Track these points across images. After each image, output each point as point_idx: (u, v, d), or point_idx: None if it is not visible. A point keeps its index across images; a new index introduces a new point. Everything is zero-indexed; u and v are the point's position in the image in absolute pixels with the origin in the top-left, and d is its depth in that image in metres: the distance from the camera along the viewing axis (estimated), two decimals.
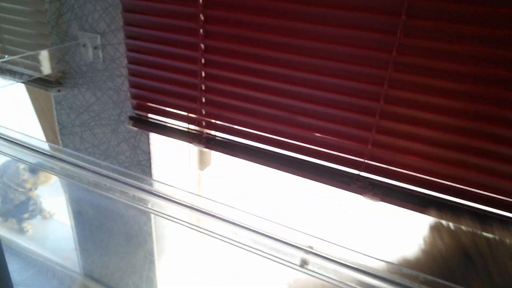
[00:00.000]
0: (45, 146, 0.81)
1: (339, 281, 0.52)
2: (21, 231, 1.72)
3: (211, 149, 0.88)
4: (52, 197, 1.87)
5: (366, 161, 0.73)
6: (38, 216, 1.79)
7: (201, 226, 0.65)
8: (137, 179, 0.79)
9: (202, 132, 0.90)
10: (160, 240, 1.23)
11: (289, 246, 0.54)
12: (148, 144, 1.05)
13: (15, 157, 0.81)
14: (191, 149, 1.18)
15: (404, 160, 0.70)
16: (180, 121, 0.92)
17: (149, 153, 1.07)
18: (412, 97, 0.66)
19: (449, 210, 0.67)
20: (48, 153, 0.81)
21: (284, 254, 0.55)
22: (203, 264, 1.47)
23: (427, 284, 0.50)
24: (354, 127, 0.72)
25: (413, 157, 0.69)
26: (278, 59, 0.74)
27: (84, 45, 1.00)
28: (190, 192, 0.66)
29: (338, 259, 0.52)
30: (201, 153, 1.20)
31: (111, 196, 0.73)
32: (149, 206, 0.73)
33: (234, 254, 1.50)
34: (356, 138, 0.73)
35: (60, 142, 1.24)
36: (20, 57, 1.04)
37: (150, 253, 1.24)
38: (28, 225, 1.73)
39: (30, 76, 1.08)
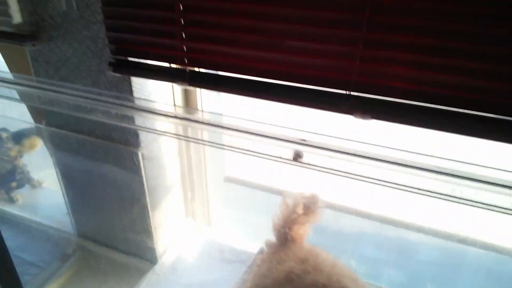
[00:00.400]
0: (24, 78, 0.80)
1: (334, 170, 0.54)
2: (11, 200, 1.71)
3: (196, 87, 0.88)
4: (40, 167, 1.85)
5: (354, 80, 0.74)
6: (27, 186, 1.78)
7: (189, 136, 0.65)
8: (118, 97, 0.78)
9: (185, 69, 0.89)
10: (152, 193, 1.24)
11: (281, 141, 0.55)
12: (131, 92, 1.04)
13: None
14: (176, 95, 1.17)
15: (393, 73, 0.70)
16: (161, 61, 0.91)
17: (133, 102, 1.06)
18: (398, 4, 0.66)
19: (442, 118, 0.68)
20: (28, 84, 0.80)
21: (277, 150, 0.57)
22: (198, 207, 1.49)
23: None
24: (340, 44, 0.72)
25: (402, 68, 0.69)
26: None
27: None
28: (175, 105, 0.66)
29: (332, 147, 0.54)
30: (186, 97, 1.19)
31: (93, 118, 0.73)
32: (134, 122, 0.72)
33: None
34: (343, 55, 0.73)
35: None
36: None
37: (144, 208, 1.25)
38: (17, 195, 1.72)
39: (0, 31, 1.04)
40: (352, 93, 0.75)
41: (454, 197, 0.68)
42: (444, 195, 0.64)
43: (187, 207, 1.45)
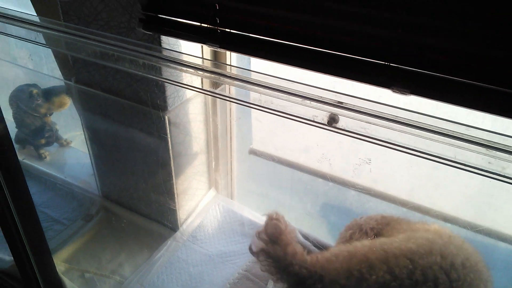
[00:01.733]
0: (51, 22, 0.76)
1: (371, 137, 0.48)
2: (39, 157, 1.73)
3: (227, 49, 0.82)
4: (69, 126, 1.86)
5: (395, 50, 0.66)
6: (55, 144, 1.80)
7: (216, 92, 0.61)
8: (146, 47, 0.74)
9: (216, 30, 0.83)
10: (177, 160, 1.21)
11: (316, 103, 0.50)
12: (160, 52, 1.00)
13: (25, 38, 0.77)
14: (206, 58, 1.12)
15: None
16: (192, 20, 0.86)
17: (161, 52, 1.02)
18: None
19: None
20: (55, 28, 0.76)
21: (311, 112, 0.51)
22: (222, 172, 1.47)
23: None
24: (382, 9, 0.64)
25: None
26: None
27: None
28: (204, 58, 0.60)
29: (370, 110, 0.48)
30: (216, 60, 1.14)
31: (120, 67, 0.69)
32: (161, 74, 0.68)
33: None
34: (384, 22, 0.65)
35: (69, 56, 1.20)
36: None
37: (168, 174, 1.23)
38: (45, 152, 1.75)
39: None
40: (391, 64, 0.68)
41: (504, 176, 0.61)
42: (494, 173, 0.57)
43: (210, 177, 1.42)
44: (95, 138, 1.35)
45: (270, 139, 1.38)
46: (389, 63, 0.69)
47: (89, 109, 1.28)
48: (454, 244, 0.81)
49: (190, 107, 1.18)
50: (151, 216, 1.38)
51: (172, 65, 0.65)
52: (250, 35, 0.82)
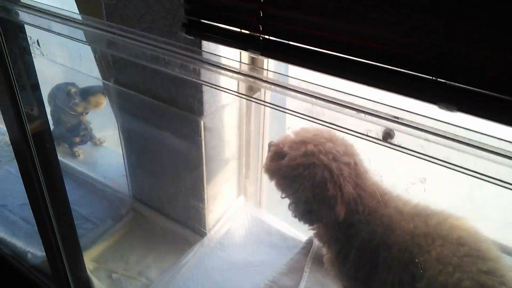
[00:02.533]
0: (94, 21, 0.77)
1: (428, 155, 0.45)
2: (73, 155, 1.77)
3: (269, 57, 0.81)
4: (103, 126, 1.90)
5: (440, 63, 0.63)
6: (89, 143, 1.83)
7: (267, 102, 0.59)
8: (186, 49, 0.72)
9: (258, 37, 0.82)
10: (209, 165, 1.20)
11: (371, 116, 0.47)
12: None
13: (69, 36, 0.78)
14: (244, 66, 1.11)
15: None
16: (235, 26, 0.85)
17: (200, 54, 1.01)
18: None
19: None
20: (99, 27, 0.77)
21: (365, 126, 0.49)
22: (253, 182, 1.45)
23: None
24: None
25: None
26: None
27: None
28: (241, 62, 0.59)
29: (429, 128, 0.45)
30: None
31: (169, 71, 0.69)
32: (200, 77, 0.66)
33: None
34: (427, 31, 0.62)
35: (110, 57, 1.22)
36: None
37: (199, 179, 1.22)
38: (79, 150, 1.78)
39: None
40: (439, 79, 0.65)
41: None
42: None
43: (239, 184, 1.41)
44: (129, 139, 1.36)
45: None
46: (437, 78, 0.66)
47: (126, 110, 1.30)
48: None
49: (225, 113, 1.17)
50: (180, 219, 1.38)
51: (216, 69, 0.64)
52: (293, 43, 0.80)
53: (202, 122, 1.09)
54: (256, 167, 1.38)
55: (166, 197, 1.37)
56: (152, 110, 1.20)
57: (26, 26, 0.90)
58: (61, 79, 1.73)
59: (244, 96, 1.07)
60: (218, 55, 1.00)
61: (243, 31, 0.86)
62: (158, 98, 1.16)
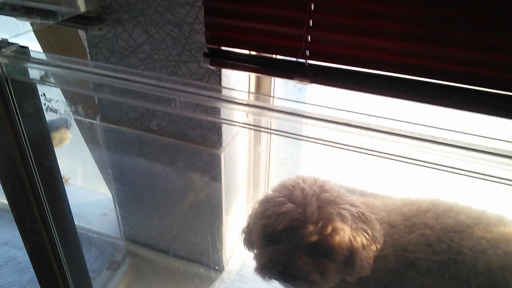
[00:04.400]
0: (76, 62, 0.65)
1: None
2: None
3: (319, 83, 0.74)
4: (67, 160, 1.67)
5: None
6: None
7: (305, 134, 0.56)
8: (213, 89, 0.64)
9: (305, 63, 0.75)
10: (227, 196, 1.11)
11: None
12: (219, 82, 0.89)
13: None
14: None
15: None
16: (277, 53, 0.77)
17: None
18: None
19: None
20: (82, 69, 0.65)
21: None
22: None
23: None
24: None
25: None
26: None
27: None
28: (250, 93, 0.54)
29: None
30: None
31: (186, 114, 0.61)
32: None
33: None
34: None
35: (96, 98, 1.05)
36: None
37: (219, 212, 1.12)
38: None
39: (64, 14, 0.87)
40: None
41: None
42: None
43: (248, 209, 1.33)
44: (120, 177, 1.21)
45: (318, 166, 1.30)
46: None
47: (116, 148, 1.14)
48: None
49: (238, 141, 1.09)
50: (190, 257, 1.27)
51: (230, 105, 0.58)
52: (345, 67, 0.75)
53: (222, 156, 0.99)
54: (264, 188, 1.31)
55: (172, 235, 1.25)
56: (153, 146, 1.07)
57: None
58: None
59: (264, 129, 0.99)
60: (233, 89, 0.91)
61: (285, 57, 0.78)
62: (161, 133, 1.03)
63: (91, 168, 1.51)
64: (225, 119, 0.90)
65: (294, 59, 0.75)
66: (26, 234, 0.77)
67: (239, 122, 0.92)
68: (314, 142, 0.56)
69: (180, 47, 0.88)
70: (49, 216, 0.75)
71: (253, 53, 0.85)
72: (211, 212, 1.11)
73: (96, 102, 1.06)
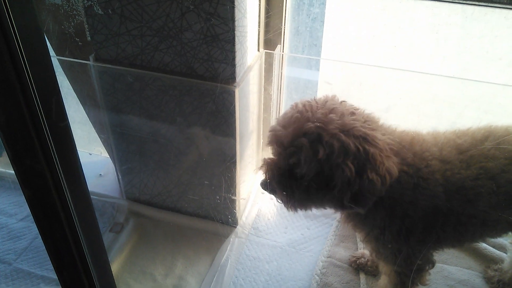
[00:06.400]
0: None
1: None
2: None
3: None
4: None
5: None
6: None
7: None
8: None
9: None
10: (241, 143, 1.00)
11: None
12: (233, 6, 0.77)
13: None
14: None
15: None
16: None
17: (233, 21, 0.79)
18: None
19: None
20: None
21: None
22: None
23: None
24: None
25: None
26: None
27: None
28: None
29: None
30: None
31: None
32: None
33: None
34: None
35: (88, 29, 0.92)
36: None
37: (232, 158, 1.02)
38: None
39: None
40: None
41: None
42: None
43: (258, 158, 1.24)
44: (119, 127, 1.08)
45: None
46: None
47: (114, 93, 1.01)
48: None
49: (251, 77, 0.97)
50: (200, 213, 1.17)
51: None
52: None
53: (236, 92, 0.88)
54: None
55: (179, 190, 1.15)
56: (155, 87, 0.95)
57: None
58: None
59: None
60: None
61: None
62: (166, 71, 0.91)
63: (81, 128, 1.39)
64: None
65: None
66: (25, 175, 0.64)
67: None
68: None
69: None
70: (54, 153, 0.63)
71: None
72: (224, 160, 1.01)
73: (89, 38, 0.93)
